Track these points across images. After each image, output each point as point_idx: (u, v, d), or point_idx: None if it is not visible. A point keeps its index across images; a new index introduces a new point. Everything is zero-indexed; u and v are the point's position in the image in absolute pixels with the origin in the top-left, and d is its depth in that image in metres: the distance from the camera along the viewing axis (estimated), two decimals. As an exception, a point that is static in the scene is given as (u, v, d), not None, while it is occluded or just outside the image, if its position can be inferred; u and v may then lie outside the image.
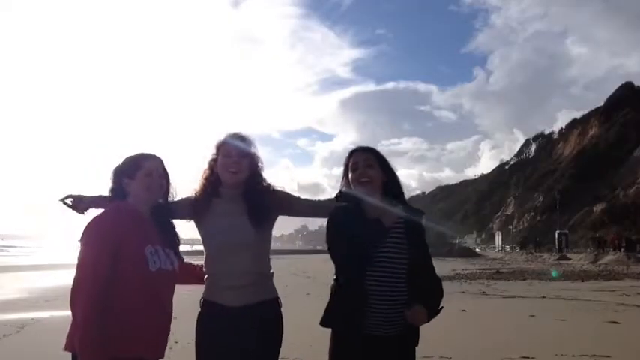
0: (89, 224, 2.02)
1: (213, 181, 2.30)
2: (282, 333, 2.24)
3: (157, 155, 2.19)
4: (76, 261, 1.95)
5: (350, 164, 2.24)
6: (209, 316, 2.20)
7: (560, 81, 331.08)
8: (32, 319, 7.84)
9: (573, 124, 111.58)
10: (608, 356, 5.21)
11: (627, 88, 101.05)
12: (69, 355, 1.91)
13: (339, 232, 2.14)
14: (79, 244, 1.99)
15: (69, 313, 1.86)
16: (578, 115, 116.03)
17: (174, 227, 2.25)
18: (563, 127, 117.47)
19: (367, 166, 2.20)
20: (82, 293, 1.87)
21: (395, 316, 2.06)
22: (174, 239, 2.21)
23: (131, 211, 2.08)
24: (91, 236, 1.99)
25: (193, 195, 2.33)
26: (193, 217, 2.30)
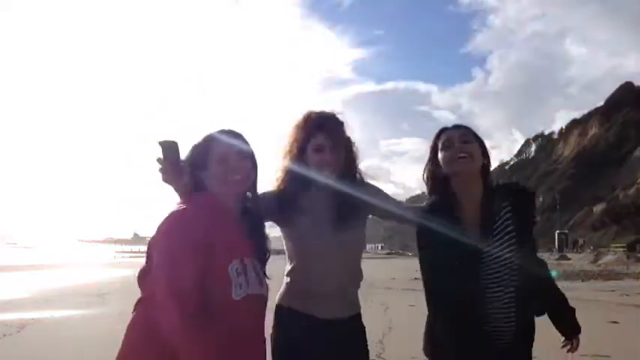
0: (168, 222, 1.51)
1: (298, 177, 1.97)
2: (367, 348, 2.01)
3: (232, 130, 1.68)
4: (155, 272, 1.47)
5: (441, 142, 1.86)
6: (290, 324, 1.95)
7: (558, 81, 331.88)
8: (32, 319, 7.81)
9: (573, 124, 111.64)
10: (608, 356, 5.20)
11: (627, 88, 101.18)
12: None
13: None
14: (156, 244, 1.52)
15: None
16: (577, 115, 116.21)
17: (264, 229, 1.78)
18: (564, 127, 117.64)
19: (463, 141, 1.82)
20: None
21: None
22: (265, 247, 1.74)
23: (218, 208, 1.59)
24: (174, 240, 1.48)
25: (276, 188, 2.00)
26: (277, 215, 1.97)
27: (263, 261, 1.70)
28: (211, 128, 1.70)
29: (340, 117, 2.01)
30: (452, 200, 1.83)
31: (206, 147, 1.64)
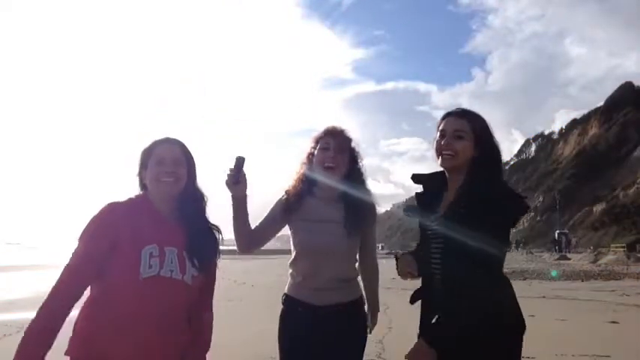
0: (93, 216, 1.74)
1: (307, 180, 2.14)
2: (366, 331, 2.18)
3: (172, 138, 1.88)
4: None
5: (439, 130, 1.82)
6: (294, 313, 2.12)
7: (558, 81, 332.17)
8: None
9: (573, 124, 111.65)
10: (608, 356, 5.20)
11: (627, 88, 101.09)
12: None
13: None
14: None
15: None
16: (576, 115, 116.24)
17: (209, 229, 1.91)
18: (563, 127, 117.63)
19: (455, 136, 1.76)
20: (49, 294, 1.68)
21: None
22: (203, 243, 1.84)
23: (142, 204, 1.81)
24: (84, 229, 1.72)
25: (284, 195, 2.18)
26: (284, 218, 2.14)
27: (200, 255, 1.81)
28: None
29: (350, 134, 2.16)
30: (441, 182, 1.88)
31: (150, 150, 1.84)
